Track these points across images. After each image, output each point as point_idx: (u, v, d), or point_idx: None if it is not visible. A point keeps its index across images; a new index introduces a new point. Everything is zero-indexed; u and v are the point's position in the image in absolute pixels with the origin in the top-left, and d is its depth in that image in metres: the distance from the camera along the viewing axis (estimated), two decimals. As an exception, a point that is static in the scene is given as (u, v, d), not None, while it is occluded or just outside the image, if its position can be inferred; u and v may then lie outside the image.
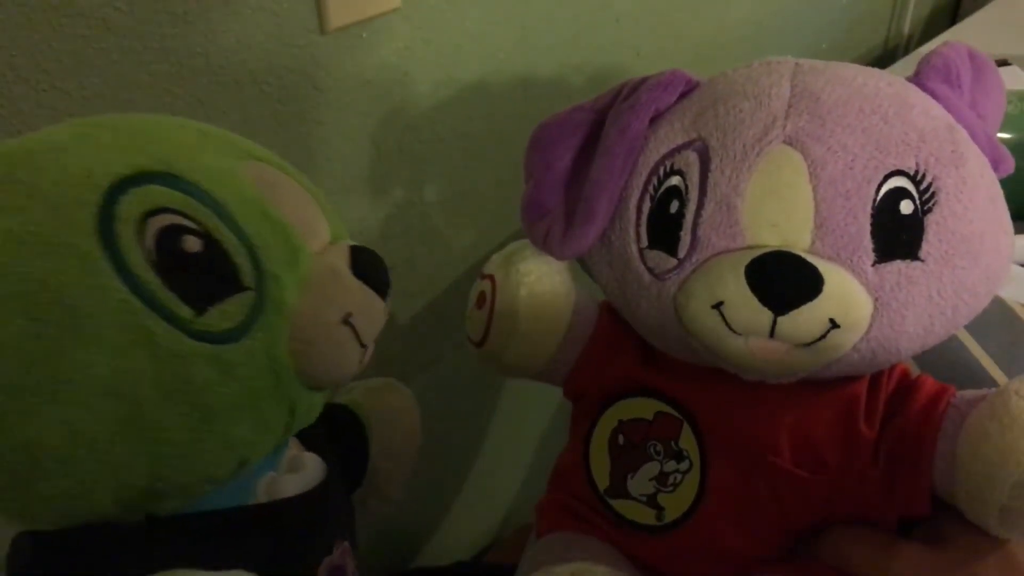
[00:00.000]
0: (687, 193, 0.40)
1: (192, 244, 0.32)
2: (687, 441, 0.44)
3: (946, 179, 0.38)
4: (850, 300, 0.37)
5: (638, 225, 0.41)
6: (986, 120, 0.43)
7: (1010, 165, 0.42)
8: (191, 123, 0.38)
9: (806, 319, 0.36)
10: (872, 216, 0.37)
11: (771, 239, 0.38)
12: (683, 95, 0.43)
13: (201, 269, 0.32)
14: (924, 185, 0.38)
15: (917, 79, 0.42)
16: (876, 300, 0.37)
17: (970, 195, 0.38)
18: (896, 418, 0.41)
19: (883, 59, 1.23)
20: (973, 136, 0.41)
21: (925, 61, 0.42)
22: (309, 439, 0.42)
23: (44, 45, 0.43)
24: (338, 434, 0.46)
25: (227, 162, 0.35)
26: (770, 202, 0.38)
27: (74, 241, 0.30)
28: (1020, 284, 0.59)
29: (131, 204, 0.31)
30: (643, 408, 0.46)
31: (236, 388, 0.32)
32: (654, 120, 0.43)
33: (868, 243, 0.37)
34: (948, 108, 0.41)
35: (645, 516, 0.45)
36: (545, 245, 0.45)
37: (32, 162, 0.32)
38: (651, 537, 0.45)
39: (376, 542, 0.79)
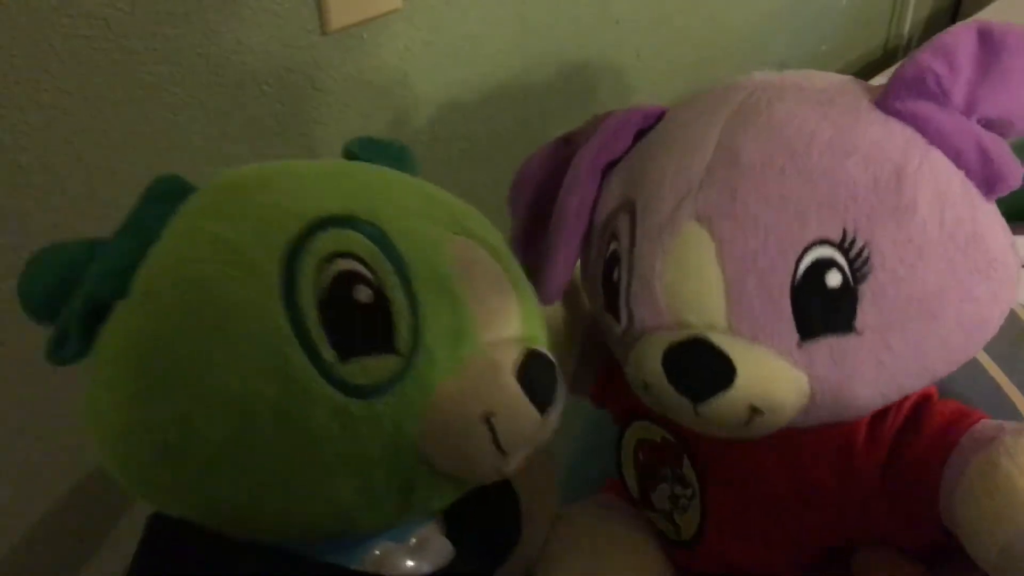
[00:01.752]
0: (622, 264, 0.39)
1: (363, 294, 0.32)
2: (688, 470, 0.44)
3: (883, 240, 0.34)
4: (769, 385, 0.35)
5: (599, 284, 0.42)
6: (997, 118, 0.37)
7: (1012, 181, 0.36)
8: (423, 185, 0.38)
9: (724, 407, 0.36)
10: (792, 294, 0.35)
11: (691, 318, 0.36)
12: (644, 131, 0.42)
13: (361, 320, 0.32)
14: (854, 252, 0.34)
15: (883, 98, 0.37)
16: (810, 376, 0.35)
17: (917, 253, 0.34)
18: (903, 451, 0.39)
19: (882, 61, 1.23)
20: (957, 158, 0.36)
21: (898, 71, 0.37)
22: (456, 514, 0.39)
23: (46, 45, 0.43)
24: (489, 504, 0.42)
25: (436, 231, 0.35)
26: (683, 285, 0.37)
27: (259, 257, 0.31)
28: (1019, 286, 0.59)
29: (326, 241, 0.32)
30: (653, 431, 0.46)
31: (349, 446, 0.31)
32: (611, 165, 0.42)
33: (789, 322, 0.35)
34: (921, 130, 0.36)
35: (667, 530, 0.46)
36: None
37: (264, 186, 0.33)
38: (674, 549, 0.46)
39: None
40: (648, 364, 0.37)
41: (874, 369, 0.35)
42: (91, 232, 0.33)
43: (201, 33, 0.48)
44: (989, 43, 0.36)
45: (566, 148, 0.45)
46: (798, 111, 0.37)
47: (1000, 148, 0.36)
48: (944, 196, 0.35)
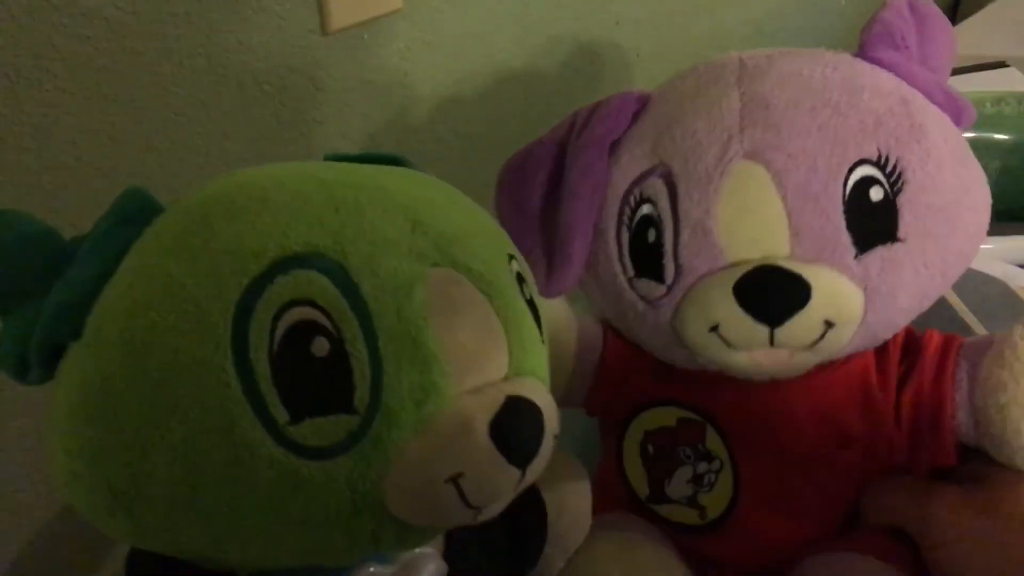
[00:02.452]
0: (661, 221, 0.40)
1: (320, 348, 0.29)
2: (713, 442, 0.45)
3: (910, 156, 0.39)
4: (840, 298, 0.38)
5: (621, 256, 0.42)
6: (939, 71, 0.44)
7: (972, 114, 0.42)
8: (412, 196, 0.34)
9: (802, 325, 0.38)
10: (845, 211, 0.38)
11: (752, 253, 0.38)
12: (636, 113, 0.44)
13: (316, 376, 0.29)
14: (890, 168, 0.39)
15: (862, 52, 0.42)
16: (865, 289, 0.38)
17: (936, 165, 0.39)
18: (910, 379, 0.42)
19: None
20: (930, 96, 0.41)
21: (867, 30, 0.43)
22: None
23: (47, 45, 0.43)
24: (514, 511, 0.38)
25: (411, 268, 0.31)
26: (743, 220, 0.39)
27: (211, 308, 0.29)
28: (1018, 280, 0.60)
29: (284, 287, 0.29)
30: (665, 417, 0.46)
31: (303, 507, 0.30)
32: (613, 146, 0.43)
33: (846, 238, 0.38)
34: (899, 74, 0.41)
35: (689, 517, 0.46)
36: None
37: (231, 214, 0.30)
38: (698, 536, 0.46)
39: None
40: (716, 302, 0.38)
41: (913, 277, 0.39)
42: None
43: (202, 33, 0.48)
44: (916, 13, 0.44)
45: (550, 146, 0.47)
46: (803, 62, 0.41)
47: (954, 89, 0.42)
48: (940, 120, 0.41)
